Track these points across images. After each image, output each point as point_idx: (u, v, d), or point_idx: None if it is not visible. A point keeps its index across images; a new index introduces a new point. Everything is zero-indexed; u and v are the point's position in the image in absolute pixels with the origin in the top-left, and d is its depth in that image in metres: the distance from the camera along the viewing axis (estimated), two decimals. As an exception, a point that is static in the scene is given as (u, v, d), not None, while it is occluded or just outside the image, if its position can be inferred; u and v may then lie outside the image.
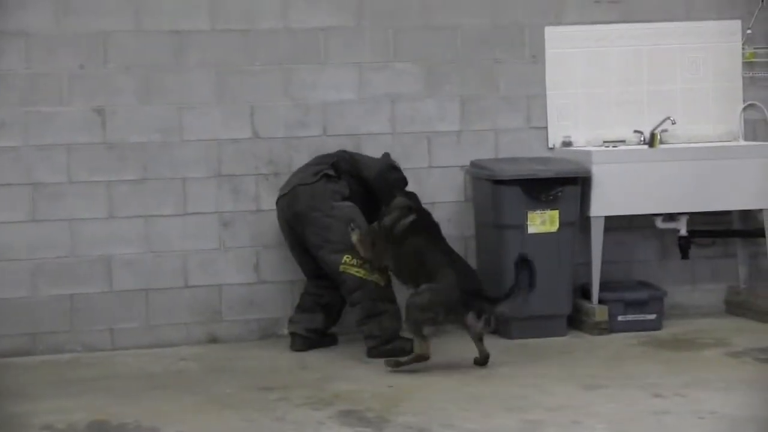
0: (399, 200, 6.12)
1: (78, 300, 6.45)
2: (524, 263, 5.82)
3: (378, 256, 6.05)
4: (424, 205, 6.26)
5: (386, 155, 6.46)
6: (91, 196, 6.44)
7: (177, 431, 4.84)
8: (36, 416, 5.10)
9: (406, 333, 5.96)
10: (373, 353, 6.06)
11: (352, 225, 6.08)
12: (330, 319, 6.39)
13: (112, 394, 5.48)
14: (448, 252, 5.96)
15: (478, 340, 5.81)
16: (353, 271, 6.08)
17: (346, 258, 6.07)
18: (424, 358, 5.73)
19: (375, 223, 6.13)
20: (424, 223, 6.07)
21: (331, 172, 6.23)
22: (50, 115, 6.40)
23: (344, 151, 6.45)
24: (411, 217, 6.02)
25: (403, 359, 5.78)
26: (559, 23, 6.88)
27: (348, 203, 6.17)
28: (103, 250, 6.46)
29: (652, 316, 6.58)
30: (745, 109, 7.08)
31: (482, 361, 5.83)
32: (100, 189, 6.45)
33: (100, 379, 5.82)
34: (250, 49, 6.57)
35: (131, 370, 6.02)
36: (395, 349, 5.99)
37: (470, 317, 5.71)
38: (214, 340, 6.58)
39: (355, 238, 6.05)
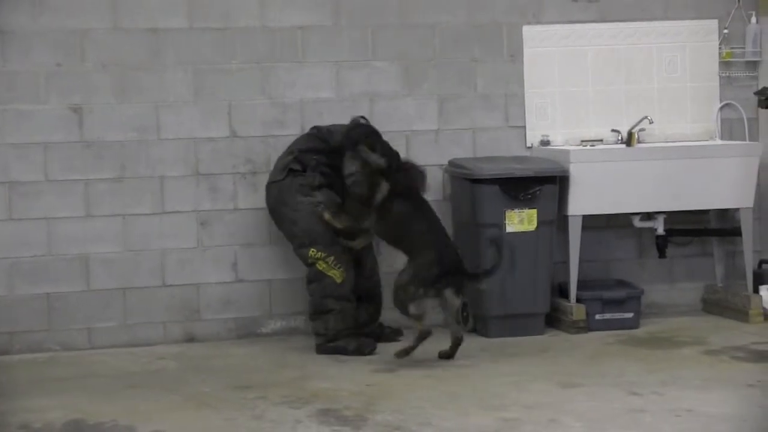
0: (347, 154, 6.02)
1: (55, 299, 6.42)
2: (495, 243, 5.89)
3: (357, 219, 6.04)
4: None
5: (356, 118, 6.39)
6: (68, 194, 6.42)
7: (154, 430, 4.82)
8: (13, 415, 5.08)
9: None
10: (319, 350, 6.15)
11: (319, 208, 6.09)
12: (372, 307, 6.37)
13: (89, 393, 5.46)
14: (431, 223, 5.94)
15: (455, 321, 5.82)
16: (318, 264, 6.11)
17: (311, 252, 6.12)
18: (426, 333, 5.79)
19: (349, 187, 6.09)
20: (404, 187, 5.99)
21: (297, 166, 6.22)
22: (27, 113, 6.37)
23: (316, 128, 6.40)
24: (384, 188, 5.91)
25: (409, 345, 5.81)
26: (537, 22, 6.90)
27: (316, 197, 6.15)
28: (81, 248, 6.44)
29: (630, 315, 6.61)
30: (721, 108, 7.11)
31: (453, 346, 5.84)
32: (78, 187, 6.43)
33: (77, 378, 5.80)
34: (227, 47, 6.55)
35: (108, 369, 6.00)
36: (338, 348, 6.08)
37: (448, 293, 5.76)
38: (191, 339, 6.57)
39: (326, 216, 6.07)
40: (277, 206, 6.27)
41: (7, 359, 6.25)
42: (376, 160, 5.98)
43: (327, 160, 6.23)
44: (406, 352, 5.82)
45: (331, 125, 6.44)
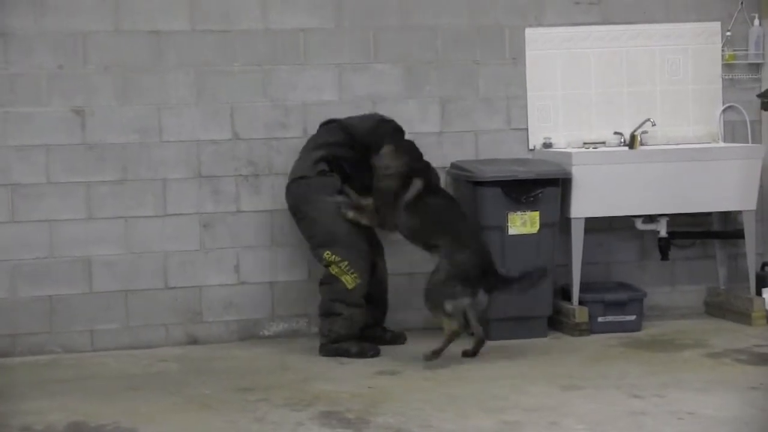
0: (386, 148, 6.10)
1: (57, 301, 6.42)
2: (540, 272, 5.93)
3: (385, 217, 6.05)
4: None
5: (374, 113, 6.47)
6: (70, 196, 6.42)
7: (155, 432, 4.84)
8: (15, 417, 5.08)
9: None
10: (322, 351, 6.15)
11: (341, 209, 6.09)
12: (378, 311, 6.37)
13: (91, 395, 5.47)
14: (467, 221, 5.98)
15: (478, 320, 5.86)
16: (331, 268, 6.10)
17: (326, 254, 6.09)
18: (455, 334, 5.80)
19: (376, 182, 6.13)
20: (434, 185, 6.10)
21: (325, 167, 6.21)
22: (29, 116, 6.37)
23: (335, 121, 6.38)
24: (418, 184, 5.99)
25: (438, 347, 5.80)
26: (539, 25, 6.90)
27: (338, 198, 6.15)
28: (83, 251, 6.44)
29: (632, 317, 6.60)
30: (724, 110, 7.10)
31: (476, 345, 5.89)
32: (80, 189, 6.43)
33: (79, 380, 5.80)
34: (229, 49, 6.56)
35: (110, 371, 6.00)
36: (340, 350, 6.08)
37: (480, 293, 5.80)
38: (194, 341, 6.57)
39: (350, 215, 6.07)
40: (299, 203, 6.20)
41: (8, 361, 6.25)
42: (414, 159, 6.09)
43: (348, 154, 6.21)
44: (436, 354, 5.80)
45: (350, 118, 6.41)
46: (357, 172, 6.19)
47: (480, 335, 5.93)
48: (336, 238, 6.08)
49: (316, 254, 6.18)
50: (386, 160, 6.10)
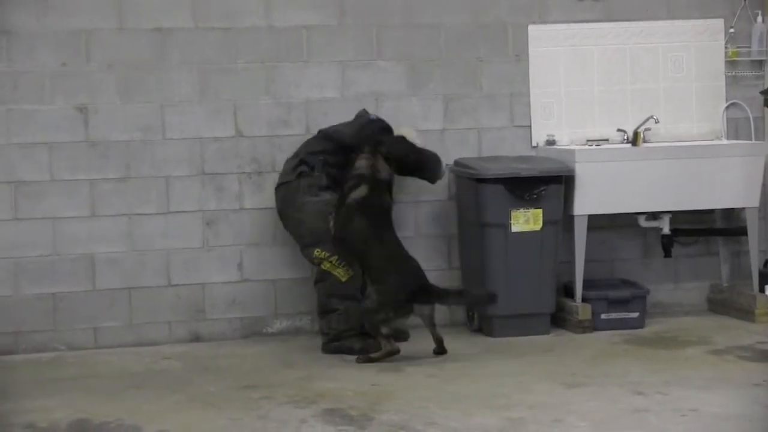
0: (359, 162, 6.09)
1: (60, 299, 6.43)
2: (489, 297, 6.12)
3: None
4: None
5: (361, 111, 6.45)
6: (74, 194, 6.42)
7: (159, 430, 4.83)
8: (18, 415, 5.09)
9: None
10: (324, 348, 6.17)
11: (326, 208, 6.11)
12: None
13: (95, 393, 5.47)
14: (392, 246, 5.98)
15: (431, 325, 5.99)
16: (323, 264, 6.13)
17: (316, 252, 6.13)
18: (393, 353, 5.89)
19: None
20: (374, 203, 6.00)
21: (304, 168, 6.24)
22: (32, 113, 6.38)
23: (321, 131, 6.40)
24: (363, 190, 5.98)
25: (374, 355, 5.91)
26: (542, 22, 6.89)
27: (323, 197, 6.16)
28: (86, 248, 6.44)
29: (635, 315, 6.60)
30: (727, 107, 7.10)
31: (438, 345, 6.01)
32: (83, 187, 6.44)
33: (82, 378, 5.81)
34: (232, 47, 6.56)
35: (114, 369, 6.01)
36: (342, 348, 6.10)
37: (417, 308, 5.92)
38: (197, 338, 6.57)
39: (330, 223, 6.10)
40: (284, 208, 6.30)
41: (12, 359, 6.26)
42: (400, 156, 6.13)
43: (334, 160, 6.24)
44: (368, 360, 5.89)
45: (336, 125, 6.44)
46: (343, 176, 6.20)
47: (437, 336, 6.01)
48: (322, 235, 6.10)
49: (307, 254, 6.21)
50: (357, 161, 6.10)
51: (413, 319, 6.39)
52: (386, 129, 6.34)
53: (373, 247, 5.93)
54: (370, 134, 6.23)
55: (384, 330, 5.87)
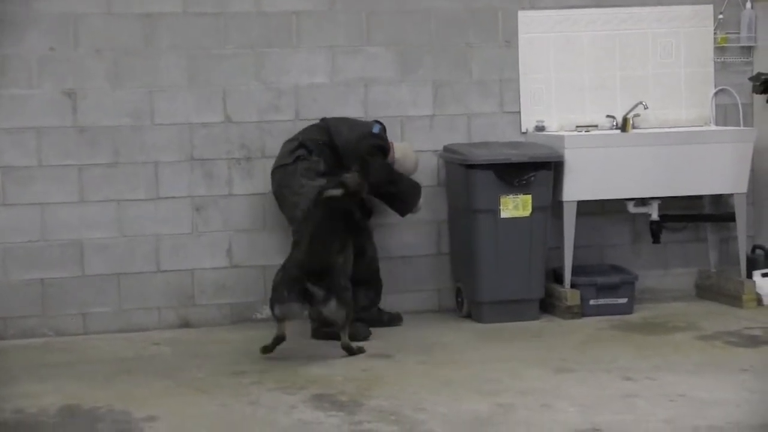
0: (350, 174, 6.07)
1: (49, 284, 6.41)
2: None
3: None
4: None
5: (372, 123, 6.44)
6: (62, 180, 6.40)
7: (149, 415, 4.83)
8: (7, 400, 5.08)
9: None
10: (314, 334, 6.13)
11: (323, 191, 6.10)
12: (372, 292, 6.35)
13: (84, 379, 5.47)
14: (323, 233, 5.81)
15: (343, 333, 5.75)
16: None
17: None
18: (278, 339, 5.65)
19: None
20: (341, 206, 5.95)
21: (302, 152, 6.23)
22: (20, 98, 6.35)
23: (324, 120, 6.42)
24: (338, 192, 5.95)
25: (268, 344, 5.69)
26: (532, 7, 6.89)
27: (319, 181, 6.16)
28: (75, 234, 6.43)
29: (624, 300, 6.62)
30: (716, 94, 7.11)
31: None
32: (71, 173, 6.41)
33: (71, 364, 5.80)
34: (221, 32, 6.54)
35: (103, 355, 6.00)
36: (332, 333, 5.97)
37: (316, 298, 5.61)
38: (186, 324, 6.57)
39: (334, 193, 6.06)
40: (280, 190, 6.29)
41: (1, 345, 6.24)
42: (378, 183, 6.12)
43: (328, 151, 6.24)
44: (265, 350, 5.67)
45: (339, 121, 6.41)
46: (330, 174, 6.20)
47: (340, 327, 5.73)
48: None
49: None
50: (349, 173, 6.07)
51: (402, 305, 6.41)
52: (381, 148, 6.31)
53: (305, 230, 5.86)
54: (362, 150, 6.20)
55: (276, 311, 5.63)
